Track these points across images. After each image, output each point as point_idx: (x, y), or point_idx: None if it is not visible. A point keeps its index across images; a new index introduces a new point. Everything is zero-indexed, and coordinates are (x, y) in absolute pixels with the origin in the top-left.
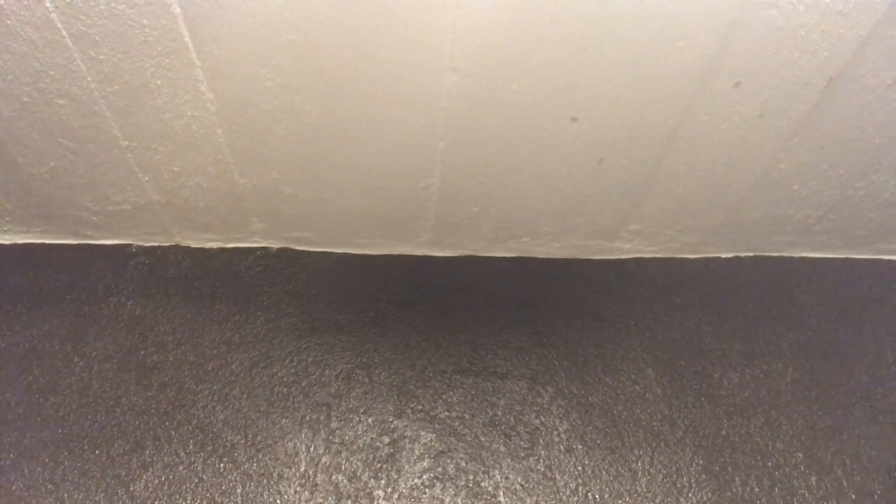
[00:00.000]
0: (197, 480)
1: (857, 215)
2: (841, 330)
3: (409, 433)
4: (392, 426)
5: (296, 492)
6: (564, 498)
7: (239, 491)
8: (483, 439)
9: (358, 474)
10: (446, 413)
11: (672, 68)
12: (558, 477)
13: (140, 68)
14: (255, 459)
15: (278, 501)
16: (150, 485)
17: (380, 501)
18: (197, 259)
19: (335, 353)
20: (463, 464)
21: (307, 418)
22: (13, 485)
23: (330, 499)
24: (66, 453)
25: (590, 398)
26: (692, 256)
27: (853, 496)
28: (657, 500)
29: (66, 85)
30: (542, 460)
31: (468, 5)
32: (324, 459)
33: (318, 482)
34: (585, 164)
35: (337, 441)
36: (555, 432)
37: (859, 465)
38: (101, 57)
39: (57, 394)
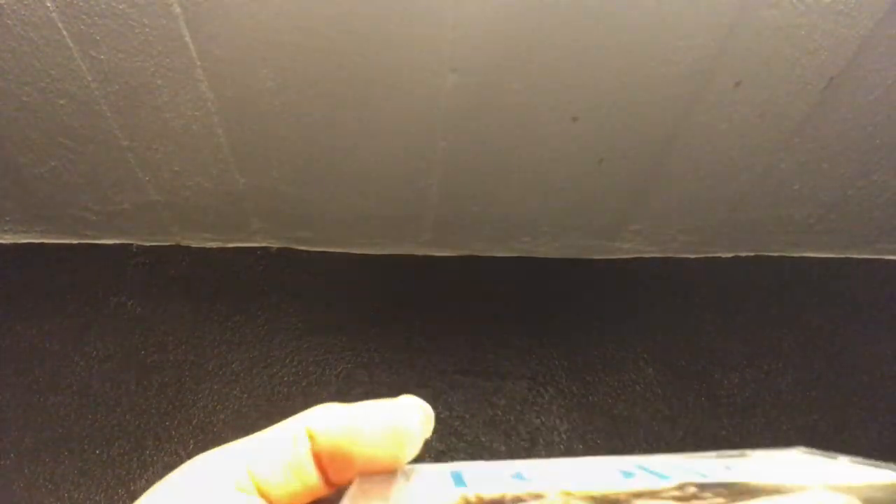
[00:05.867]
0: None
1: (858, 215)
2: (841, 330)
3: None
4: None
5: None
6: None
7: None
8: (483, 439)
9: None
10: (446, 413)
11: (672, 68)
12: None
13: (140, 68)
14: None
15: None
16: (150, 485)
17: None
18: (197, 259)
19: (335, 353)
20: None
21: None
22: (13, 485)
23: None
24: (66, 453)
25: (590, 398)
26: (692, 256)
27: None
28: None
29: (66, 85)
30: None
31: (468, 5)
32: None
33: None
34: (585, 164)
35: None
36: (555, 432)
37: None
38: (102, 57)
39: (57, 394)
